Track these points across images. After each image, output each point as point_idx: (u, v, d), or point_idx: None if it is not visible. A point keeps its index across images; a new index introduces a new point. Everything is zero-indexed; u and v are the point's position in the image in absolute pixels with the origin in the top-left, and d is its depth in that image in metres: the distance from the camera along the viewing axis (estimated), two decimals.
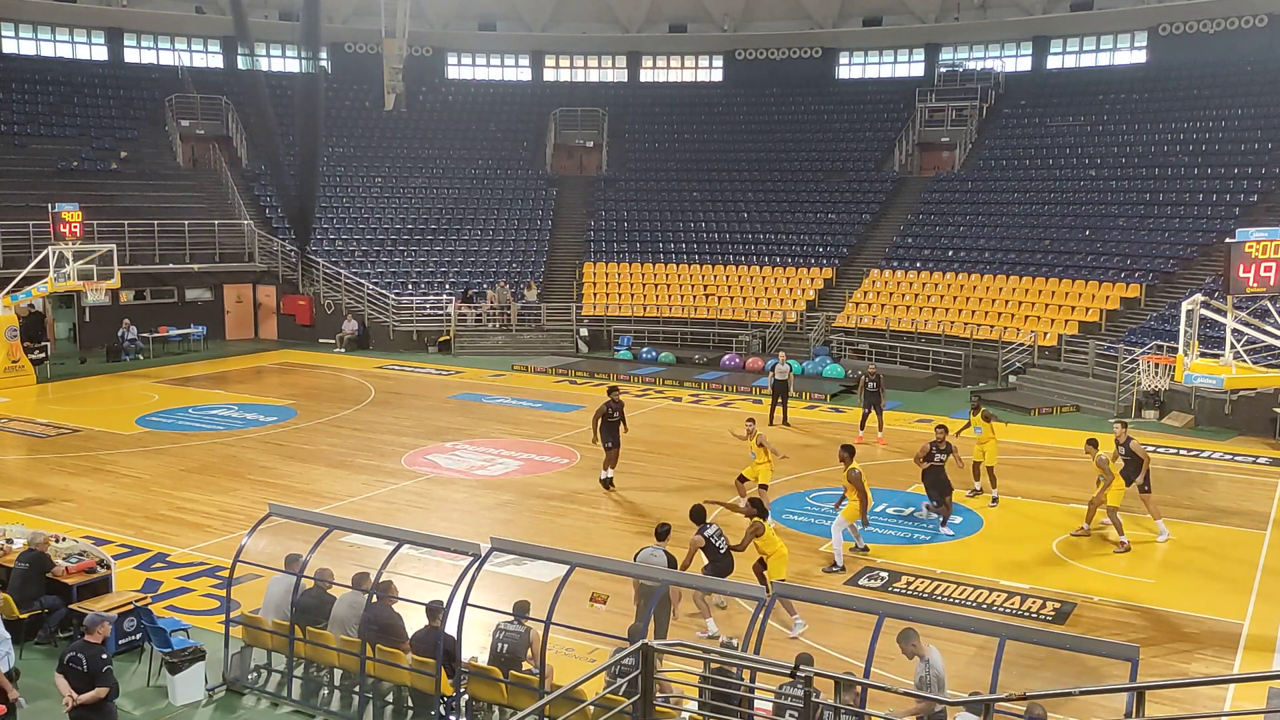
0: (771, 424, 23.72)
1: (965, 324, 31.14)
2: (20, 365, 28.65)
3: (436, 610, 10.53)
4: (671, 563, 12.06)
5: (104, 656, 9.47)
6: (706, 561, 12.72)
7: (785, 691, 8.97)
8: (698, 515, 12.98)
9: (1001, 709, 8.45)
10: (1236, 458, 21.27)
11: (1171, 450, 21.88)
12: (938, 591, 14.11)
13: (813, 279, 36.24)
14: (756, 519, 13.00)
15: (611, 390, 19.63)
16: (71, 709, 9.31)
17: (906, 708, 9.64)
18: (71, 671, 9.32)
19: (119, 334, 33.30)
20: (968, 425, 18.71)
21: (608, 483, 18.93)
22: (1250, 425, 23.18)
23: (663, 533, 12.46)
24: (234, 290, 37.45)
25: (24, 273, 28.82)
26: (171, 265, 35.64)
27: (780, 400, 24.14)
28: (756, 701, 9.42)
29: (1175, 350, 16.01)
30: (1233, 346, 15.16)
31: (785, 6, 44.86)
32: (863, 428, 22.88)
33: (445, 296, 36.13)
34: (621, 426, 19.16)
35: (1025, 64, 42.83)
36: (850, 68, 46.16)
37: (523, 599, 10.87)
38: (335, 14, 43.52)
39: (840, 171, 41.37)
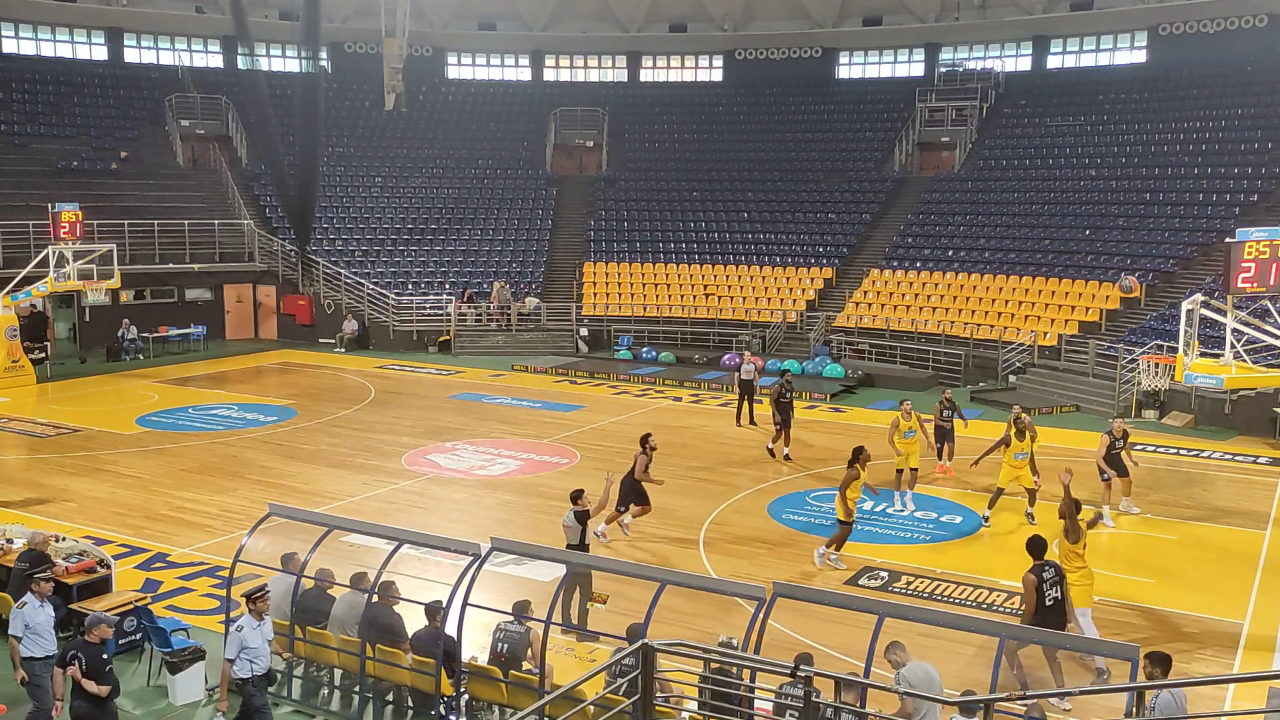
0: (739, 424, 24.07)
1: (965, 324, 31.14)
2: (20, 365, 28.65)
3: (436, 610, 10.53)
4: (581, 517, 12.90)
5: (104, 656, 9.48)
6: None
7: (785, 691, 8.97)
8: (1036, 549, 11.19)
9: (1001, 709, 8.45)
10: (1236, 458, 21.26)
11: (1171, 450, 21.87)
12: (938, 591, 14.11)
13: (813, 279, 36.25)
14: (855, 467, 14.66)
15: (783, 373, 22.63)
16: (72, 703, 9.31)
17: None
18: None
19: (119, 334, 33.29)
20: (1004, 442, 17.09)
21: (772, 452, 21.21)
22: (1250, 425, 23.18)
23: (575, 496, 13.13)
24: (234, 290, 37.46)
25: (24, 272, 28.83)
26: (171, 265, 35.65)
27: (747, 399, 24.25)
28: (756, 701, 9.42)
29: (1175, 350, 16.01)
30: (1233, 346, 15.16)
31: (785, 6, 44.85)
32: (941, 457, 20.20)
33: (445, 296, 36.14)
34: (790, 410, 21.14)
35: (1025, 64, 42.82)
36: (850, 68, 46.15)
37: (523, 599, 10.87)
38: (335, 14, 43.52)
39: (840, 171, 41.37)
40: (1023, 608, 11.35)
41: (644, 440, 16.35)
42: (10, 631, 9.99)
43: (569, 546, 12.83)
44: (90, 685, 9.28)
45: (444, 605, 10.44)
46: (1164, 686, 8.28)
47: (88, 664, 9.33)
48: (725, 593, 11.87)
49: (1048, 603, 10.78)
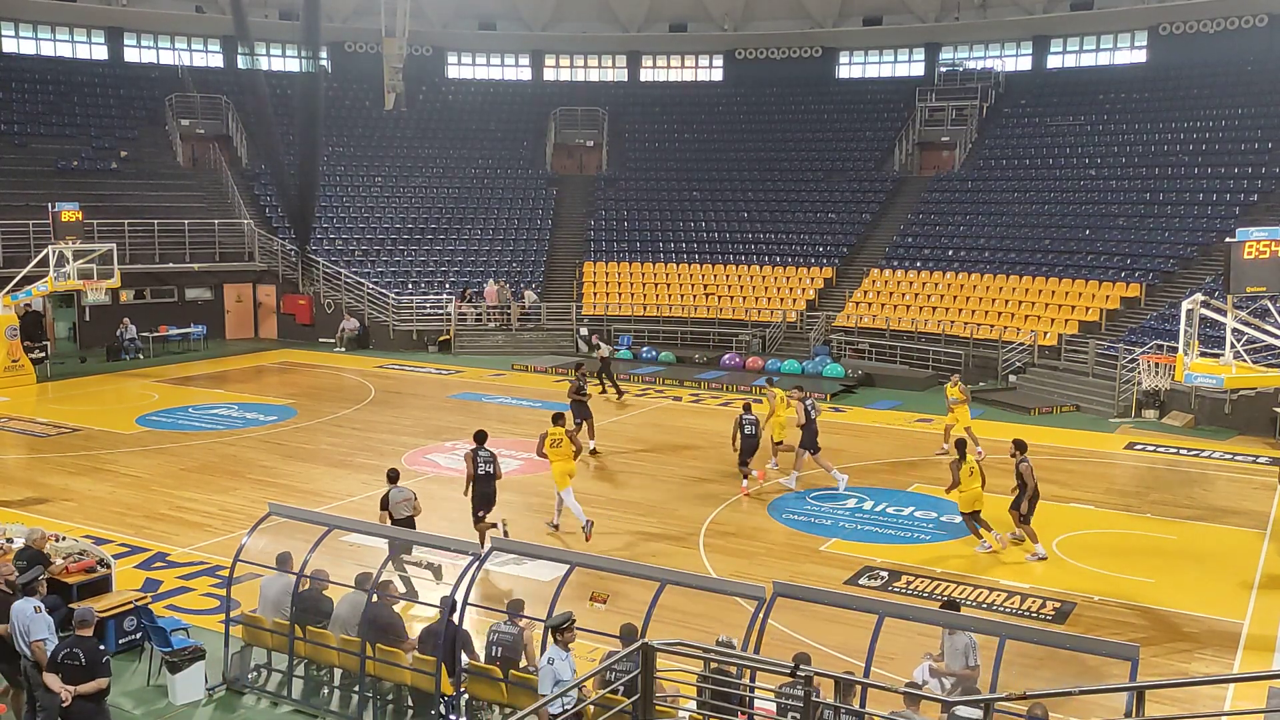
0: (605, 393, 26.89)
1: (965, 324, 31.14)
2: (20, 365, 28.65)
3: (446, 605, 10.50)
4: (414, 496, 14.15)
5: (100, 648, 9.45)
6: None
7: (785, 691, 8.96)
8: (479, 438, 15.41)
9: (1001, 709, 8.45)
10: (1236, 457, 21.25)
11: (1171, 450, 21.87)
12: (938, 591, 14.09)
13: (813, 279, 36.25)
14: None
15: (578, 364, 23.27)
16: (69, 704, 9.27)
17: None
18: (67, 668, 9.29)
19: (119, 333, 33.29)
20: None
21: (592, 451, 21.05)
22: (1250, 425, 23.16)
23: (393, 476, 14.24)
24: (234, 290, 37.46)
25: (24, 272, 28.83)
26: (171, 265, 35.65)
27: (607, 376, 27.37)
28: (756, 701, 9.41)
29: (1175, 350, 16.02)
30: (1233, 346, 15.16)
31: (785, 6, 44.84)
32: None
33: (445, 296, 36.15)
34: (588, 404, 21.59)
35: (1025, 63, 42.83)
36: (850, 67, 46.15)
37: (516, 598, 10.84)
38: (335, 14, 43.48)
39: (840, 171, 41.37)
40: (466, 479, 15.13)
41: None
42: (36, 636, 9.89)
43: (398, 522, 13.51)
44: (89, 687, 9.25)
45: (451, 599, 10.42)
46: (1168, 686, 8.28)
47: (85, 658, 9.30)
48: (725, 592, 11.87)
49: (480, 473, 14.97)
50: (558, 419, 17.08)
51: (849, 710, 8.60)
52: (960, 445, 15.95)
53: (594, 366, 27.22)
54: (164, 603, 13.25)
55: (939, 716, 9.27)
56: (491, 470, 15.14)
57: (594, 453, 20.96)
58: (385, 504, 13.81)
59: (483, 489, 15.08)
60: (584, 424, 20.99)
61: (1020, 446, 15.59)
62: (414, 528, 13.74)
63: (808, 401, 19.20)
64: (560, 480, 16.12)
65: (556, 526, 16.57)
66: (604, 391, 26.94)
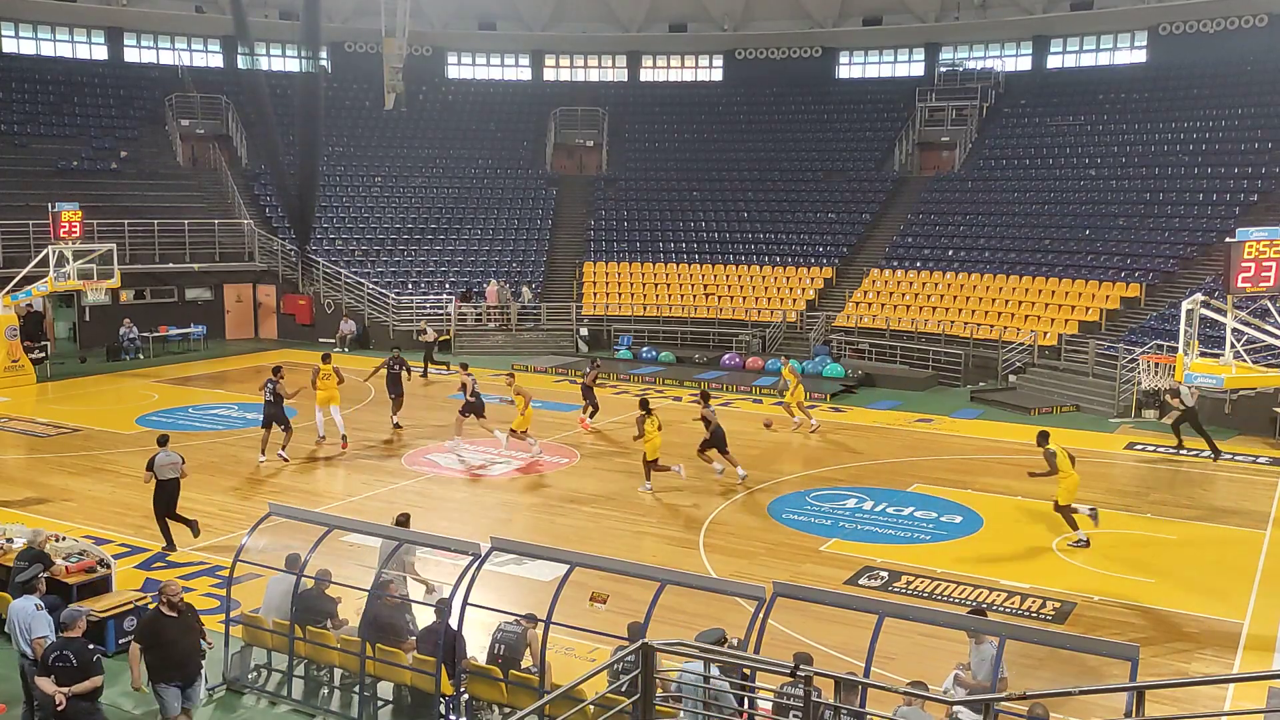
0: (425, 377, 30.07)
1: (965, 324, 31.14)
2: (20, 365, 28.65)
3: (442, 608, 10.51)
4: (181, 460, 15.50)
5: (90, 647, 9.42)
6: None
7: (785, 691, 8.96)
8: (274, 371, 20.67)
9: (1002, 709, 8.45)
10: (1236, 457, 21.25)
11: (1171, 450, 21.85)
12: (938, 591, 14.10)
13: (813, 279, 36.25)
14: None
15: (395, 348, 25.27)
16: (64, 706, 9.25)
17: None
18: (59, 670, 9.27)
19: (119, 333, 33.29)
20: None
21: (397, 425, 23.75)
22: (1250, 425, 23.16)
23: (162, 440, 15.63)
24: (234, 290, 37.46)
25: (24, 272, 28.83)
26: (171, 265, 35.65)
27: (428, 359, 30.78)
28: (757, 701, 9.41)
29: (1175, 350, 16.00)
30: (1233, 346, 15.15)
31: (785, 6, 44.85)
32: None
33: (445, 296, 36.14)
34: (405, 375, 24.36)
35: (1025, 64, 42.84)
36: (850, 67, 46.16)
37: (531, 613, 10.80)
38: (335, 14, 43.51)
39: (840, 171, 41.38)
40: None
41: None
42: (38, 634, 9.91)
43: (162, 482, 15.21)
44: (84, 686, 9.23)
45: (449, 601, 10.43)
46: (1168, 686, 8.28)
47: (76, 659, 9.28)
48: (725, 593, 11.86)
49: (266, 399, 20.12)
50: (326, 358, 22.01)
51: (849, 710, 8.60)
52: (644, 404, 19.06)
53: (425, 350, 31.12)
54: None
55: (943, 717, 9.29)
56: (273, 398, 20.02)
57: (397, 426, 23.50)
58: (151, 465, 15.21)
59: (268, 412, 20.11)
60: (398, 400, 24.01)
61: (705, 397, 19.91)
62: (179, 491, 15.35)
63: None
64: (322, 403, 21.36)
65: (323, 438, 21.69)
66: (424, 374, 30.29)
